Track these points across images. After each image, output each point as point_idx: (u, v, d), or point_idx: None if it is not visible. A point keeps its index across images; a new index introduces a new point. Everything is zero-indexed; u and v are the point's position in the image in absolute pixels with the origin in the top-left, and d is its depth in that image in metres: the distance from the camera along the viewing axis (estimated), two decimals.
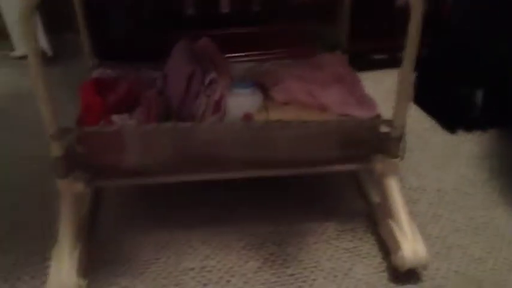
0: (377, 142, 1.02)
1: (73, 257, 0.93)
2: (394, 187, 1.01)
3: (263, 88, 1.06)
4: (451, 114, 1.51)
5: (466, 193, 1.24)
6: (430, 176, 1.30)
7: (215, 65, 1.08)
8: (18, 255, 1.04)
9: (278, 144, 1.00)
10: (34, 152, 1.37)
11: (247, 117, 0.99)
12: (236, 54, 1.43)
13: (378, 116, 1.02)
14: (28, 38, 0.80)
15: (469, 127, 1.48)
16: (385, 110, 1.04)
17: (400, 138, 1.00)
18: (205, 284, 0.98)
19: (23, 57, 1.86)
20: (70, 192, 0.96)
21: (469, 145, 1.43)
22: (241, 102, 1.01)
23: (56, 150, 0.92)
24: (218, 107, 1.01)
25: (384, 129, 1.02)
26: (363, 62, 1.68)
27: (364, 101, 1.01)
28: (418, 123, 1.52)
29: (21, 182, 1.26)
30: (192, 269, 1.02)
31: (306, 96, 1.01)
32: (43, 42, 1.78)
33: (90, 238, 1.07)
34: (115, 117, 0.98)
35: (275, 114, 0.99)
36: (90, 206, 1.14)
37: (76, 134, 0.93)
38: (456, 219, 1.16)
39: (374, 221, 1.12)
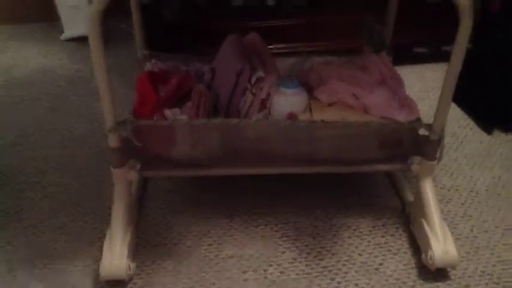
0: (415, 144, 1.06)
1: (124, 241, 1.01)
2: (428, 189, 1.06)
3: (308, 87, 1.11)
4: (488, 114, 1.52)
5: (498, 195, 1.27)
6: (463, 176, 1.33)
7: (263, 62, 1.13)
8: (70, 237, 1.13)
9: (321, 143, 1.05)
10: (86, 137, 1.45)
11: (292, 116, 1.04)
12: (282, 45, 1.47)
13: (418, 120, 1.05)
14: (96, 48, 0.86)
15: (506, 128, 1.49)
16: (426, 106, 1.06)
17: (438, 141, 1.04)
18: (244, 272, 1.06)
19: (72, 40, 1.94)
20: (123, 181, 1.04)
21: (505, 147, 1.44)
22: (287, 101, 1.05)
23: (112, 141, 0.99)
24: (264, 105, 1.06)
25: (423, 131, 1.06)
26: (405, 55, 1.69)
27: (406, 104, 1.04)
28: (455, 121, 1.53)
29: (74, 165, 1.34)
30: (232, 256, 1.09)
31: (349, 98, 1.05)
32: None
33: (138, 222, 1.15)
34: (167, 112, 1.04)
35: (319, 115, 1.04)
36: (139, 191, 1.22)
37: (132, 126, 0.99)
38: (486, 220, 1.20)
39: (407, 219, 1.17)
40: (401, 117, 1.03)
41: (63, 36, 1.93)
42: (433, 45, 1.82)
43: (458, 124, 1.53)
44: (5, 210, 1.20)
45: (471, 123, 1.54)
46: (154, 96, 1.07)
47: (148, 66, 1.21)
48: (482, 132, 1.50)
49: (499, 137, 1.49)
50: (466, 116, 1.56)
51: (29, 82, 1.72)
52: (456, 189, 1.28)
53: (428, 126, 1.03)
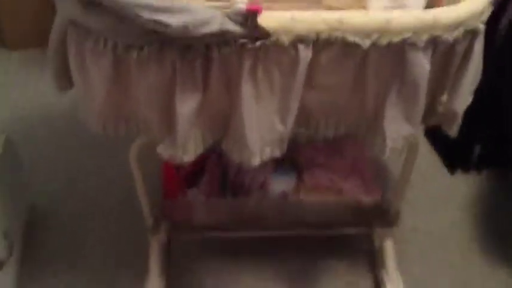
0: (378, 216, 1.38)
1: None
2: (388, 250, 1.40)
3: (297, 166, 1.41)
4: (451, 156, 1.80)
5: (450, 238, 1.60)
6: (424, 217, 1.64)
7: None
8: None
9: (306, 214, 1.38)
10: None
11: (284, 195, 1.36)
12: None
13: (381, 200, 1.37)
14: (137, 173, 1.17)
15: (466, 168, 1.78)
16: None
17: (396, 214, 1.36)
18: None
19: None
20: (158, 243, 1.39)
21: (464, 186, 1.74)
22: (281, 183, 1.37)
23: (149, 220, 1.33)
24: (263, 184, 1.38)
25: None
26: None
27: (372, 188, 1.36)
28: (424, 159, 1.78)
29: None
30: None
31: (328, 182, 1.36)
32: None
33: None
34: (188, 192, 1.37)
35: (304, 195, 1.36)
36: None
37: (163, 207, 1.33)
38: (437, 263, 1.52)
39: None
40: (367, 198, 1.35)
41: None
42: None
43: (427, 162, 1.79)
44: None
45: (438, 161, 1.83)
46: (177, 178, 1.38)
47: None
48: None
49: (460, 176, 1.79)
50: (434, 153, 1.85)
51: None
52: (416, 230, 1.61)
53: (388, 203, 1.35)
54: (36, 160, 1.79)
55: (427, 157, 1.83)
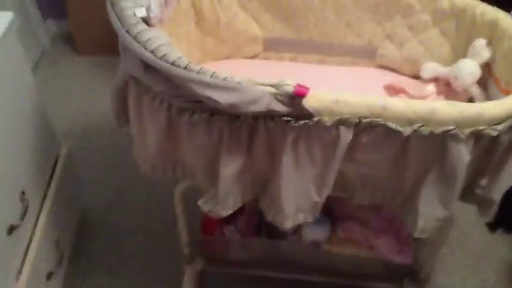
0: (408, 274, 1.39)
1: None
2: None
3: (332, 218, 1.44)
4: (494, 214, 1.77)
5: None
6: (456, 276, 1.63)
7: None
8: None
9: (336, 263, 1.41)
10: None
11: (317, 244, 1.40)
12: None
13: (413, 260, 1.38)
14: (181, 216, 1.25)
15: (509, 229, 1.75)
16: None
17: (426, 276, 1.37)
18: None
19: None
20: (192, 272, 1.46)
21: (503, 248, 1.71)
22: (315, 232, 1.40)
23: (185, 250, 1.40)
24: (296, 231, 1.42)
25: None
26: None
27: (404, 249, 1.37)
28: (464, 215, 1.77)
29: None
30: None
31: (361, 238, 1.38)
32: None
33: None
34: (226, 229, 1.43)
35: (336, 246, 1.39)
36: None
37: (200, 241, 1.40)
38: None
39: None
40: (398, 259, 1.36)
41: None
42: None
43: (467, 219, 1.77)
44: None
45: (479, 218, 1.79)
46: None
47: None
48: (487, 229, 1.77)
49: (500, 237, 1.75)
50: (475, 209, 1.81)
51: None
52: None
53: (420, 264, 1.36)
54: (89, 171, 1.91)
55: (467, 212, 1.80)
